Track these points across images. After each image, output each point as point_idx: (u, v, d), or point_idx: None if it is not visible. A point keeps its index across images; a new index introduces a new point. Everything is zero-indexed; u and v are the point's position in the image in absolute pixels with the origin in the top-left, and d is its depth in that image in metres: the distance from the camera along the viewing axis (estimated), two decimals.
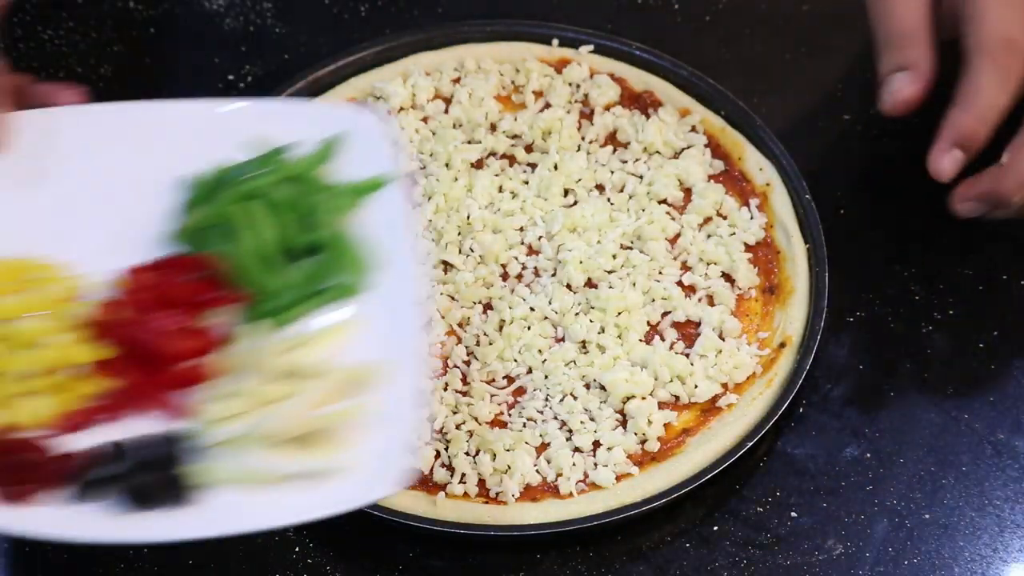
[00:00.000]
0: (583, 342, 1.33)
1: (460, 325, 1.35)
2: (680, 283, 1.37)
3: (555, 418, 1.31)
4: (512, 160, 1.43)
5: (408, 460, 1.16)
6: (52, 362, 1.20)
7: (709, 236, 1.39)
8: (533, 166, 1.43)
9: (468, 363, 1.33)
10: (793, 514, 1.29)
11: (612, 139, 1.45)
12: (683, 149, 1.44)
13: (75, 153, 1.26)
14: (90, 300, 1.22)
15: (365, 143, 1.26)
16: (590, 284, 1.36)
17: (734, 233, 1.39)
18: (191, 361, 1.20)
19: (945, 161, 1.33)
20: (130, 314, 1.21)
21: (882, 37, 1.36)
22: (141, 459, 1.16)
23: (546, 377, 1.32)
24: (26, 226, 1.24)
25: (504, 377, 1.33)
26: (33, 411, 1.18)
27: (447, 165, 1.42)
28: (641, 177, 1.42)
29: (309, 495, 1.15)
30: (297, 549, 1.27)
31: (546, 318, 1.35)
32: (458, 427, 1.30)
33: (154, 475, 1.16)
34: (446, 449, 1.29)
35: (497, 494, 1.27)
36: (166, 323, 1.21)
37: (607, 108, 1.46)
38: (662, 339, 1.34)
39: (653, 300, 1.35)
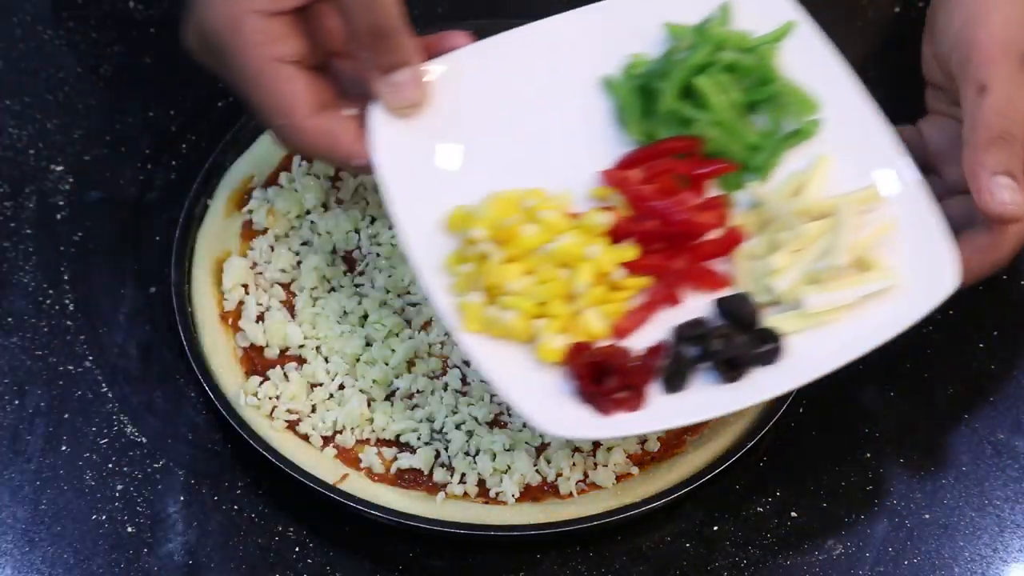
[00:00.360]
0: None
1: None
2: None
3: None
4: None
5: (955, 257, 1.23)
6: (599, 273, 1.25)
7: None
8: None
9: (468, 363, 1.33)
10: (793, 514, 1.29)
11: None
12: None
13: (491, 86, 1.32)
14: (591, 209, 1.27)
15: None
16: None
17: None
18: (717, 231, 1.27)
19: (1002, 194, 1.26)
20: (647, 207, 1.27)
21: (985, 129, 1.27)
22: (717, 333, 1.23)
23: None
24: (487, 164, 1.29)
25: None
26: (595, 324, 1.24)
27: None
28: None
29: (875, 317, 1.22)
30: (297, 549, 1.27)
31: None
32: (458, 427, 1.30)
33: (737, 343, 1.22)
34: (446, 449, 1.29)
35: (497, 494, 1.27)
36: (684, 203, 1.27)
37: None
38: None
39: None
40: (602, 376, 1.21)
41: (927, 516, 1.29)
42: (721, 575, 1.26)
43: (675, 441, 1.30)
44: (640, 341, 1.24)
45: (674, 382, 1.22)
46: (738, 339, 1.22)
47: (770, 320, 1.23)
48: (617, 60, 1.34)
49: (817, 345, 1.23)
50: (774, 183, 1.30)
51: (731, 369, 1.22)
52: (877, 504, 1.29)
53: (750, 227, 1.28)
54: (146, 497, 1.29)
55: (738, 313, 1.23)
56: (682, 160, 1.30)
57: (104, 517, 1.28)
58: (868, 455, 1.31)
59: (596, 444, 1.29)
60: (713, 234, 1.27)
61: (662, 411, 1.21)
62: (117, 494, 1.29)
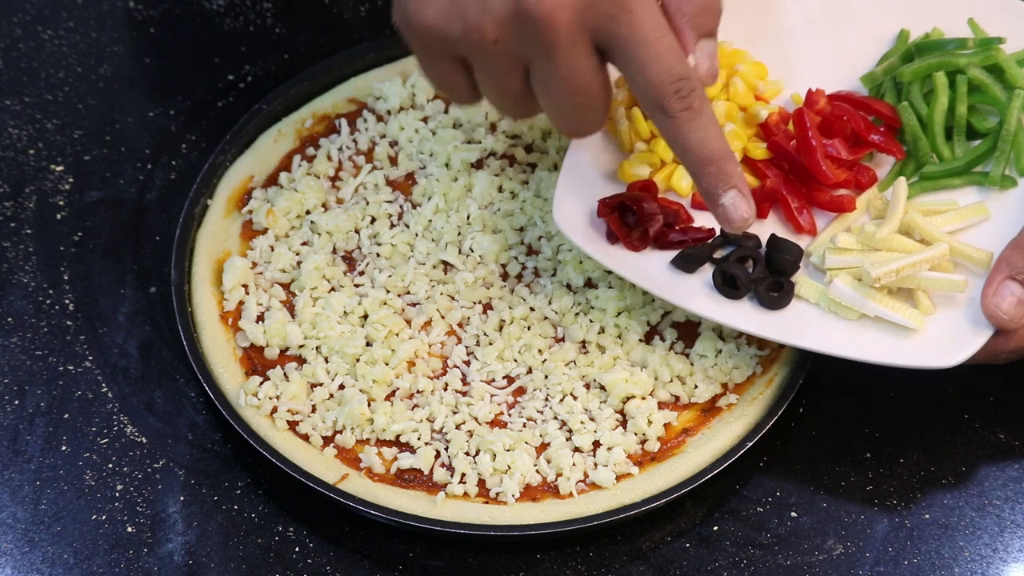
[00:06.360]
0: (583, 342, 1.34)
1: (460, 325, 1.35)
2: None
3: (555, 418, 1.31)
4: (512, 160, 1.43)
5: (976, 343, 1.25)
6: None
7: None
8: (533, 166, 1.43)
9: (468, 363, 1.33)
10: (793, 514, 1.29)
11: None
12: None
13: None
14: (773, 107, 1.36)
15: None
16: (590, 284, 1.36)
17: None
18: (838, 191, 1.34)
19: (1005, 302, 1.26)
20: (803, 131, 1.33)
21: None
22: (748, 253, 1.29)
23: (546, 377, 1.32)
24: (754, 27, 1.39)
25: (504, 377, 1.33)
26: (681, 182, 1.34)
27: (447, 165, 1.42)
28: None
29: (880, 340, 1.26)
30: (297, 549, 1.27)
31: (546, 318, 1.35)
32: (458, 427, 1.30)
33: (751, 270, 1.29)
34: (446, 449, 1.29)
35: (497, 494, 1.27)
36: (831, 149, 1.34)
37: None
38: (662, 339, 1.34)
39: (652, 300, 1.35)
40: (651, 218, 1.29)
41: (927, 516, 1.29)
42: (721, 575, 1.26)
43: (675, 441, 1.30)
44: (701, 221, 1.32)
45: (683, 261, 1.29)
46: (757, 270, 1.28)
47: (799, 278, 1.29)
48: (922, 27, 1.40)
49: (821, 325, 1.27)
50: (928, 196, 1.34)
51: (727, 285, 1.28)
52: (877, 504, 1.29)
53: (871, 210, 1.33)
54: (146, 497, 1.29)
55: (779, 254, 1.29)
56: (869, 122, 1.36)
57: (104, 517, 1.28)
58: (868, 455, 1.31)
59: (596, 443, 1.29)
60: (839, 192, 1.33)
61: (649, 268, 1.29)
62: (117, 494, 1.29)
